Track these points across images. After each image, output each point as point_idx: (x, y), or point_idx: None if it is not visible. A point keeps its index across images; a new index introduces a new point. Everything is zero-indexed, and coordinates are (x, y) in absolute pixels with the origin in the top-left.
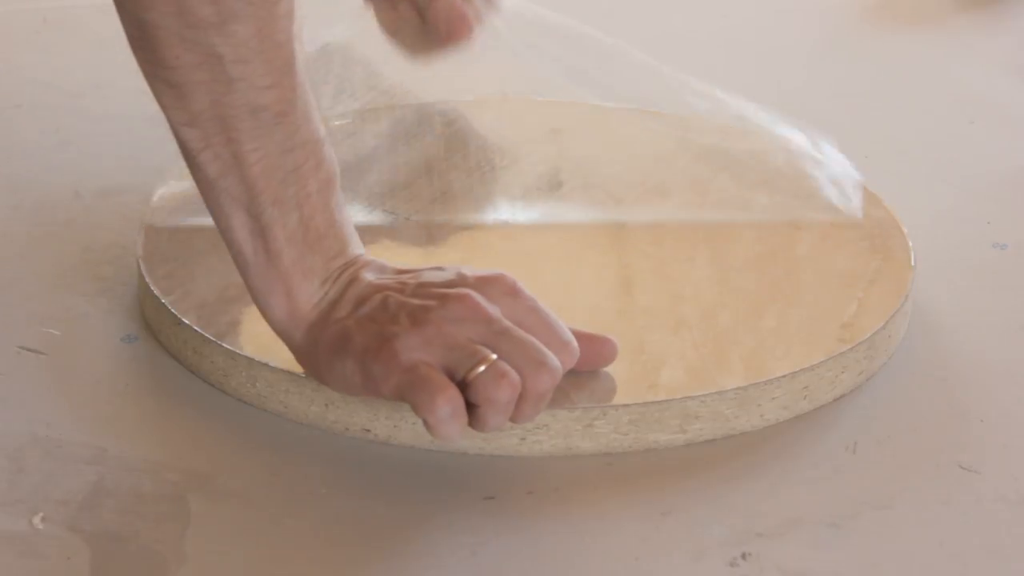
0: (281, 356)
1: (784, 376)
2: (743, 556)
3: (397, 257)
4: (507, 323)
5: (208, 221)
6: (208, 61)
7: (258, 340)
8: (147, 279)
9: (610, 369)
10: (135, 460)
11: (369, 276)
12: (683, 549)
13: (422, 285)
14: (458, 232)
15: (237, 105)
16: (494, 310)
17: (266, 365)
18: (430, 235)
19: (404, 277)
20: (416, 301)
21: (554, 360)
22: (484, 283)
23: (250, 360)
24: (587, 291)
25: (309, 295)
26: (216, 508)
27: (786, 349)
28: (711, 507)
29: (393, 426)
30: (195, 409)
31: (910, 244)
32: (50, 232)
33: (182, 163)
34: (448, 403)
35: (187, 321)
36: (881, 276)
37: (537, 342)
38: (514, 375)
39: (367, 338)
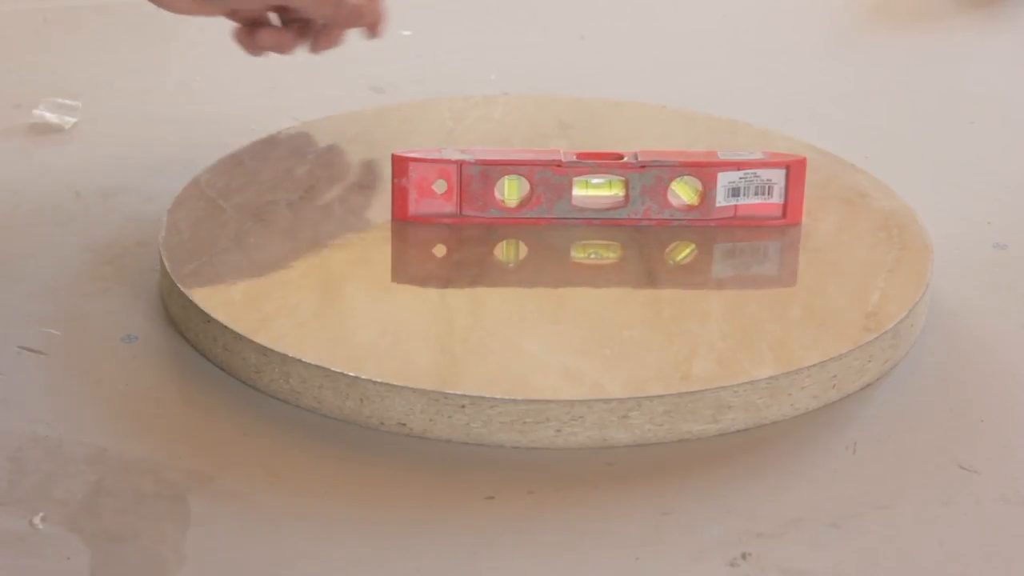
0: (315, 351)
1: (814, 365)
2: (743, 556)
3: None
4: None
5: (229, 217)
6: None
7: (290, 336)
8: (173, 276)
9: (641, 359)
10: (135, 460)
11: None
12: (683, 549)
13: None
14: (475, 227)
15: None
16: None
17: (299, 361)
18: (449, 226)
19: None
20: None
21: None
22: None
23: (283, 356)
24: (611, 283)
25: None
26: (216, 508)
27: (813, 339)
28: (711, 507)
29: (428, 420)
30: (195, 409)
31: (928, 233)
32: (50, 232)
33: (195, 162)
34: None
35: (217, 318)
36: (900, 266)
37: None
38: None
39: None
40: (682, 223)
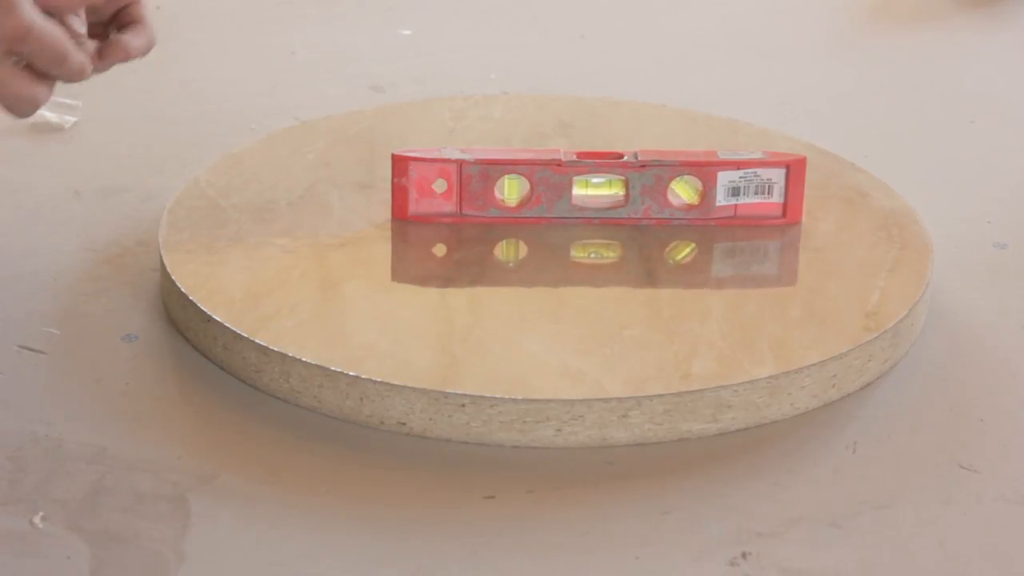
0: (315, 351)
1: (814, 365)
2: (743, 556)
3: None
4: None
5: (229, 217)
6: None
7: (290, 335)
8: (173, 276)
9: (641, 359)
10: (135, 460)
11: None
12: (683, 549)
13: None
14: (475, 226)
15: None
16: None
17: (299, 360)
18: (449, 226)
19: None
20: None
21: None
22: None
23: (283, 355)
24: (611, 282)
25: None
26: (216, 508)
27: (813, 338)
28: (711, 507)
29: (428, 419)
30: (195, 409)
31: (928, 232)
32: (50, 232)
33: (194, 161)
34: None
35: (217, 317)
36: (900, 265)
37: None
38: None
39: None
40: (682, 222)
